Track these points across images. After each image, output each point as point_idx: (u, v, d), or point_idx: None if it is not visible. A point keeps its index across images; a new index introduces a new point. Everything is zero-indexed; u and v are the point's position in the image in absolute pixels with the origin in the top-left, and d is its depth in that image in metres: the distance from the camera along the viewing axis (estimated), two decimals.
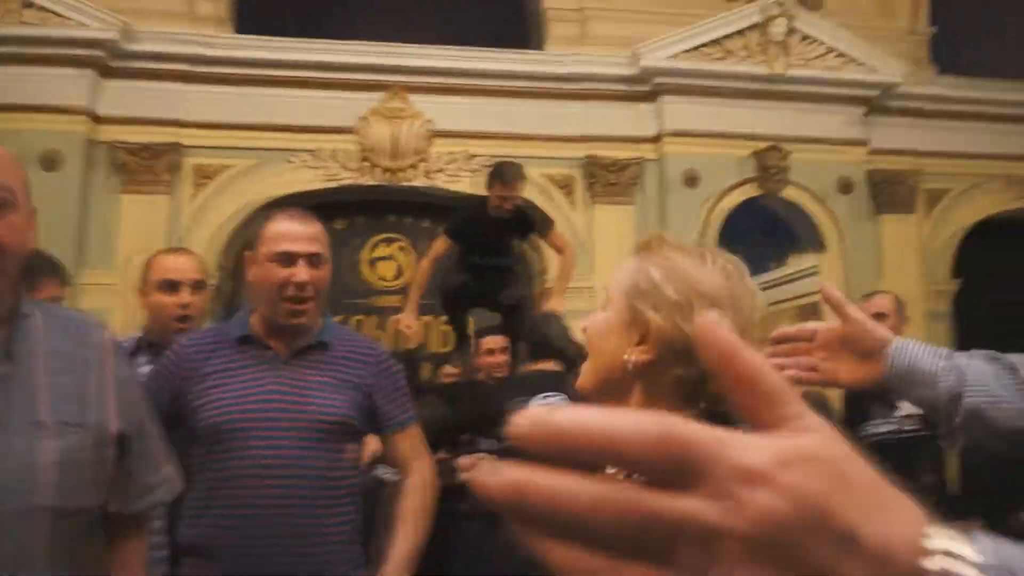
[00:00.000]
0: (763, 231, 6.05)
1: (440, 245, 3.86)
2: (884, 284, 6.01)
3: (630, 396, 0.91)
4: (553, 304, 3.75)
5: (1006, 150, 6.54)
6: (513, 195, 3.65)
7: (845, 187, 6.02)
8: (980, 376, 1.00)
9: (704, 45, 5.82)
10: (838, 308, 1.02)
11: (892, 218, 6.21)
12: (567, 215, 5.74)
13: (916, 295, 6.14)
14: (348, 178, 5.42)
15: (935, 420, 1.04)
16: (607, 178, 5.79)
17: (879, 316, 2.70)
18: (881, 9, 6.75)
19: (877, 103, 6.18)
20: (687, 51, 5.77)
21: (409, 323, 3.85)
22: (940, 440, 1.03)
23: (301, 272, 1.66)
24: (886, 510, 0.29)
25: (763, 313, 0.91)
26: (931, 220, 6.39)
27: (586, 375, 0.96)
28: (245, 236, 5.40)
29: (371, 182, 5.46)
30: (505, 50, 5.68)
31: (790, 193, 5.96)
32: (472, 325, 4.20)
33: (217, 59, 5.20)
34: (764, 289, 6.47)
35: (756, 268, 6.58)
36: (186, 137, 5.23)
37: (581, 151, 5.75)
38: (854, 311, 1.03)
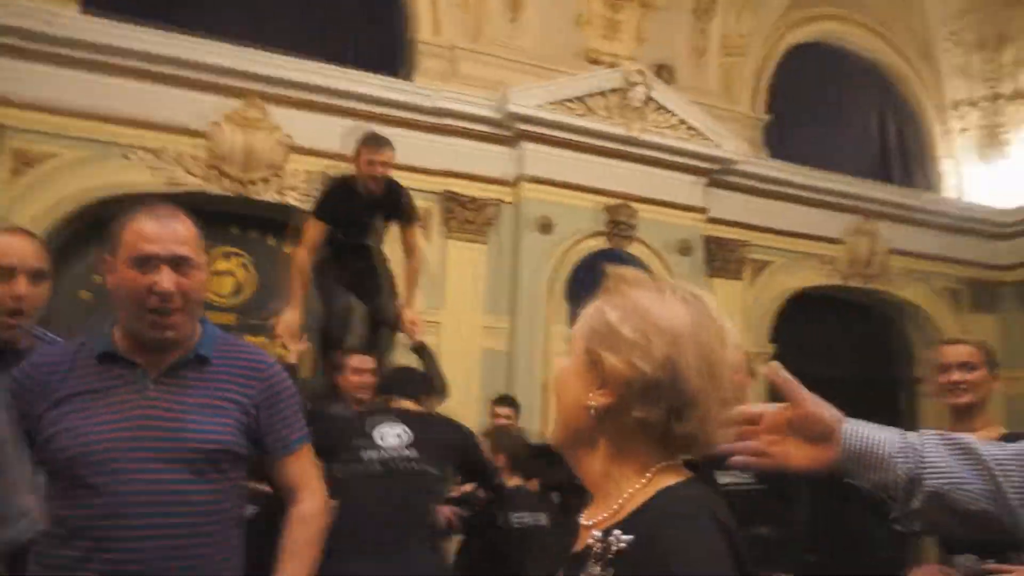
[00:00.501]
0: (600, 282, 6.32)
1: (312, 230, 3.64)
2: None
3: (598, 444, 0.89)
4: (410, 319, 3.75)
5: (821, 232, 7.31)
6: (384, 160, 3.62)
7: (684, 249, 6.45)
8: (940, 458, 0.99)
9: (568, 100, 6.09)
10: (787, 390, 0.99)
11: (723, 282, 6.72)
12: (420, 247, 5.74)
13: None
14: (192, 184, 5.12)
15: (890, 503, 1.01)
16: (464, 215, 5.86)
17: (965, 366, 2.54)
18: (725, 92, 7.38)
19: (717, 176, 6.71)
20: (552, 103, 6.00)
21: (291, 324, 3.48)
22: (895, 523, 1.01)
23: (164, 279, 1.46)
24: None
25: (735, 342, 0.88)
26: (755, 288, 6.97)
27: (556, 426, 0.93)
28: (66, 235, 4.94)
29: (217, 191, 5.19)
30: (374, 75, 5.64)
31: (636, 248, 6.30)
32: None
33: (57, 38, 4.77)
34: None
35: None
36: (10, 117, 4.73)
37: (440, 185, 5.79)
38: (803, 393, 1.00)
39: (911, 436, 1.01)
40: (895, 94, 8.61)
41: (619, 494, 0.86)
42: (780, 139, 7.61)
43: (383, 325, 3.92)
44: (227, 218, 5.47)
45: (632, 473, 0.87)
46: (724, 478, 2.89)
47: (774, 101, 7.68)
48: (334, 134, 5.11)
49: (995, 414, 2.65)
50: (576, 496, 4.14)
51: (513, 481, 3.30)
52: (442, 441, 2.80)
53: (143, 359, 1.51)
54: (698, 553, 0.77)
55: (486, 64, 6.15)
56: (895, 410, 7.60)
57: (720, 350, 0.86)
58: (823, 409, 1.01)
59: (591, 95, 6.19)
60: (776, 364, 0.96)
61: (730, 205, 6.85)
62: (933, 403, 7.57)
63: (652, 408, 0.83)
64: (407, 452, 2.65)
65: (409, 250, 4.02)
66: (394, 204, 3.84)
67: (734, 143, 6.72)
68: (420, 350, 3.73)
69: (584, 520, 0.90)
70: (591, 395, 0.87)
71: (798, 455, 1.00)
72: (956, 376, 2.49)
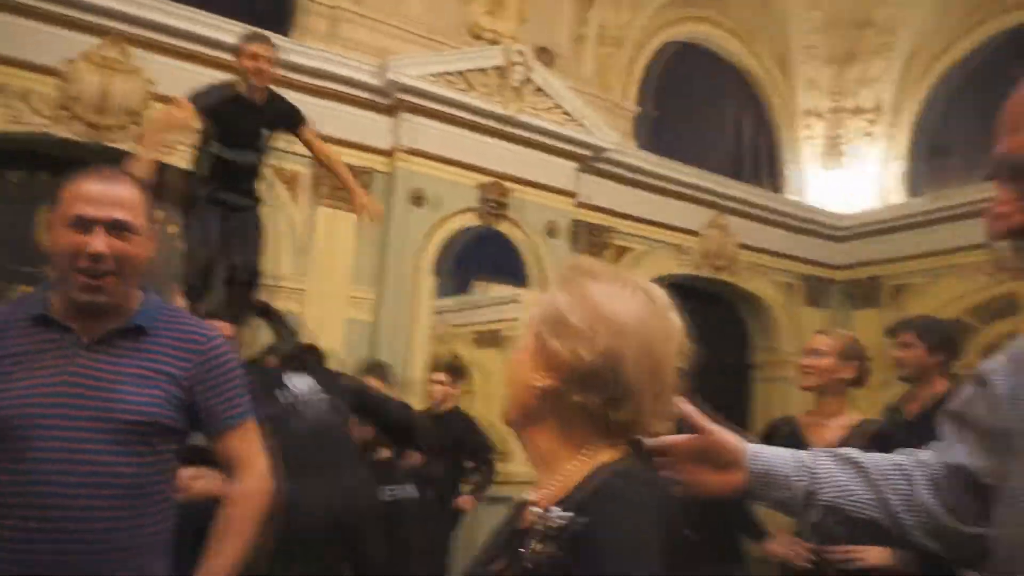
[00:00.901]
0: (480, 259, 6.45)
1: (184, 112, 3.44)
2: None
3: (544, 423, 0.94)
4: (363, 201, 3.85)
5: (680, 223, 7.77)
6: (269, 56, 3.52)
7: (553, 231, 6.68)
8: (830, 472, 1.08)
9: (450, 73, 6.12)
10: (694, 422, 1.05)
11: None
12: (289, 212, 5.62)
13: None
14: (39, 125, 4.75)
15: (793, 518, 1.10)
16: (335, 181, 5.78)
17: (815, 352, 2.82)
18: (600, 81, 7.67)
19: (589, 162, 6.98)
20: (434, 75, 6.02)
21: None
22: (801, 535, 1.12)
23: (97, 241, 1.43)
24: None
25: (682, 348, 0.93)
26: None
27: (507, 404, 0.99)
28: None
29: (68, 135, 4.85)
30: (248, 27, 5.42)
31: (506, 228, 6.46)
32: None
33: None
34: (457, 311, 6.84)
35: (459, 290, 6.87)
36: None
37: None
38: (709, 424, 1.06)
39: (803, 455, 1.10)
40: (754, 99, 9.24)
41: (560, 471, 0.92)
42: (648, 131, 8.00)
43: (241, 284, 3.81)
44: (77, 166, 5.11)
45: (574, 450, 0.92)
46: None
47: (645, 95, 8.05)
48: (201, 84, 4.90)
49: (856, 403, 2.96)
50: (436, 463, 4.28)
51: (384, 454, 3.35)
52: (343, 386, 3.11)
53: (77, 324, 1.47)
54: (629, 530, 0.82)
55: (370, 29, 6.06)
56: (738, 394, 8.27)
57: (664, 346, 0.91)
58: (728, 437, 1.09)
59: (473, 71, 6.25)
60: (680, 398, 0.99)
61: (599, 191, 7.15)
62: (765, 387, 8.30)
63: (590, 395, 0.89)
64: (320, 395, 2.94)
65: (319, 152, 4.03)
66: (277, 112, 3.73)
67: (607, 131, 7.00)
68: (265, 311, 3.66)
69: (527, 496, 0.96)
70: (537, 376, 0.92)
71: (710, 481, 1.07)
72: (805, 360, 2.79)
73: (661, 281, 6.14)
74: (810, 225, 8.89)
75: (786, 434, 2.86)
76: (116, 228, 1.46)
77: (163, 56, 5.10)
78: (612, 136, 7.06)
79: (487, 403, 6.67)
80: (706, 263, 7.95)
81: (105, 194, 1.47)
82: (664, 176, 7.58)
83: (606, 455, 0.92)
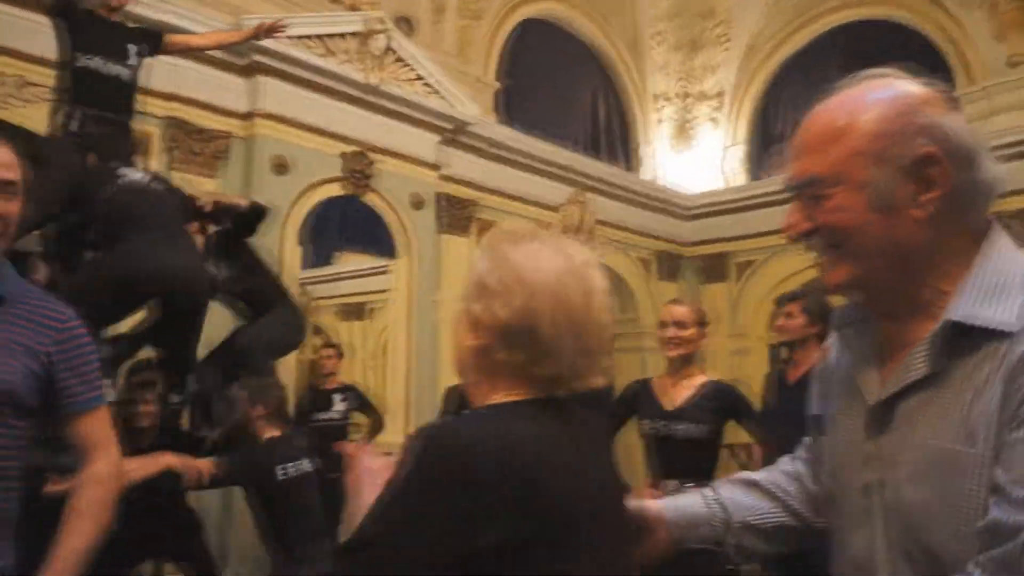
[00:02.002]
0: (352, 229, 6.47)
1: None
2: (443, 295, 6.93)
3: (481, 378, 1.02)
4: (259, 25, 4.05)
5: (542, 199, 8.12)
6: None
7: (418, 203, 6.80)
8: (734, 498, 1.22)
9: (308, 37, 6.09)
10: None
11: (453, 238, 7.20)
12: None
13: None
14: None
15: (718, 549, 1.20)
16: (191, 146, 5.62)
17: (679, 324, 3.12)
18: (461, 54, 7.87)
19: (451, 135, 7.15)
20: (291, 38, 5.96)
21: None
22: (727, 563, 1.24)
23: None
24: None
25: (604, 305, 0.99)
26: (480, 246, 7.55)
27: (454, 361, 1.07)
28: None
29: None
30: None
31: (372, 199, 6.51)
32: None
33: None
34: (325, 282, 6.82)
35: (320, 262, 6.81)
36: None
37: (163, 109, 5.48)
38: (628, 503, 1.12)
39: (706, 491, 1.23)
40: (609, 80, 9.77)
41: None
42: (509, 106, 8.29)
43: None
44: None
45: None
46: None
47: (504, 70, 8.33)
48: (35, 38, 4.63)
49: (701, 366, 3.34)
50: None
51: (271, 432, 3.35)
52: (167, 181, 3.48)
53: None
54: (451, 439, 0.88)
55: None
56: None
57: (582, 303, 0.96)
58: (645, 506, 1.20)
59: (332, 36, 6.25)
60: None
61: (462, 164, 7.34)
62: (624, 357, 8.82)
63: (512, 352, 0.96)
64: (152, 183, 3.28)
65: (190, 44, 4.19)
66: (135, 31, 3.68)
67: (469, 105, 7.19)
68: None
69: None
70: (468, 337, 1.00)
71: (648, 549, 1.16)
72: (671, 332, 3.10)
73: None
74: (663, 204, 9.53)
75: (640, 394, 3.24)
76: (3, 189, 1.45)
77: None
78: (474, 109, 7.26)
79: (354, 374, 6.72)
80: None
81: None
82: (525, 152, 7.88)
83: (501, 397, 0.99)
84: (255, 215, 3.74)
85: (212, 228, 3.67)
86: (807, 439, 1.23)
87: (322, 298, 6.55)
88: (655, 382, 3.28)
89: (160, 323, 3.28)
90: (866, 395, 0.98)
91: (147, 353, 3.84)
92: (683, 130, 10.34)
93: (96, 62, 3.37)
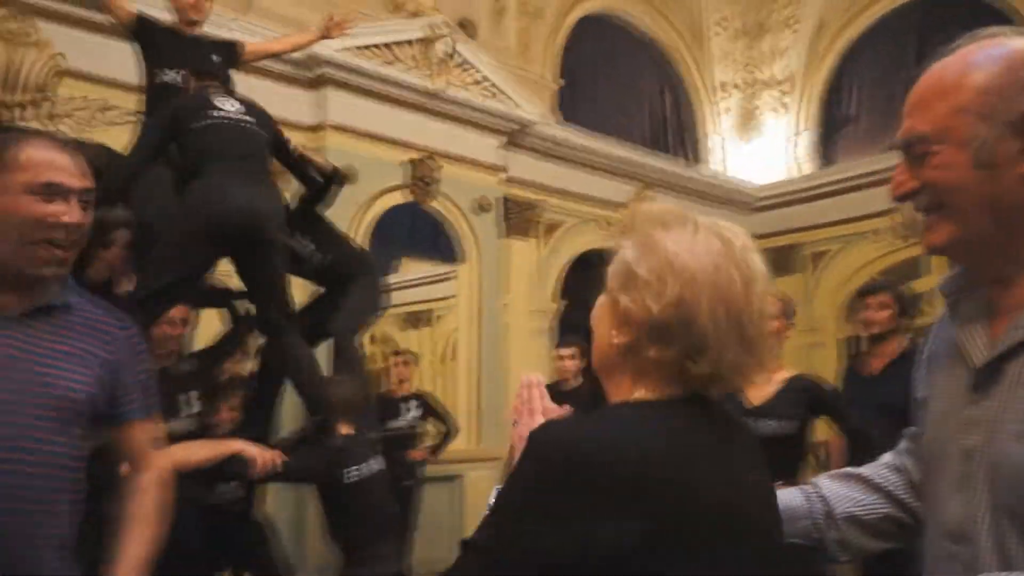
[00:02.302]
0: (413, 236, 6.53)
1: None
2: (509, 299, 6.95)
3: (624, 377, 0.94)
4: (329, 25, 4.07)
5: (606, 196, 8.05)
6: None
7: (484, 206, 6.82)
8: (835, 490, 1.19)
9: (374, 46, 6.15)
10: None
11: (518, 241, 7.21)
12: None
13: (530, 312, 7.21)
14: None
15: (816, 543, 1.16)
16: None
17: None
18: (522, 54, 7.83)
19: (514, 137, 7.14)
20: (357, 47, 6.03)
21: None
22: (827, 559, 1.20)
23: (75, 212, 1.42)
24: None
25: (763, 285, 0.90)
26: (547, 247, 7.55)
27: (593, 358, 1.01)
28: None
29: None
30: None
31: (436, 204, 6.56)
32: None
33: None
34: (396, 290, 6.90)
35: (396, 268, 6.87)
36: None
37: None
38: None
39: (806, 487, 1.19)
40: (671, 72, 9.61)
41: None
42: (571, 105, 8.23)
43: None
44: None
45: None
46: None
47: (566, 68, 8.27)
48: (111, 59, 4.77)
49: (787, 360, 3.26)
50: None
51: (346, 428, 3.37)
52: (266, 119, 3.38)
53: (5, 296, 1.42)
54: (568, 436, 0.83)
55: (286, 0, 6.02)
56: None
57: (743, 292, 0.87)
58: None
59: (397, 43, 6.30)
60: None
61: (525, 166, 7.33)
62: None
63: (665, 348, 0.87)
64: (246, 116, 3.20)
65: (267, 52, 4.23)
66: (215, 43, 3.75)
67: (531, 106, 7.17)
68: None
69: None
70: (614, 331, 0.93)
71: None
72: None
73: (592, 254, 6.41)
74: (727, 196, 9.35)
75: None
76: (86, 200, 1.46)
77: (71, 28, 4.94)
78: (536, 110, 7.24)
79: (421, 382, 6.80)
80: None
81: (76, 164, 1.46)
82: (589, 150, 7.83)
83: (643, 395, 0.92)
84: (336, 180, 3.75)
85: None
86: (910, 430, 1.20)
87: (402, 305, 6.63)
88: None
89: (243, 275, 3.27)
90: (971, 359, 0.97)
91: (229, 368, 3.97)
92: (748, 119, 10.12)
93: (177, 76, 3.46)
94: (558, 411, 1.06)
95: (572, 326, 7.13)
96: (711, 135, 9.93)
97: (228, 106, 3.17)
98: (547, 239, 7.56)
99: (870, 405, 3.11)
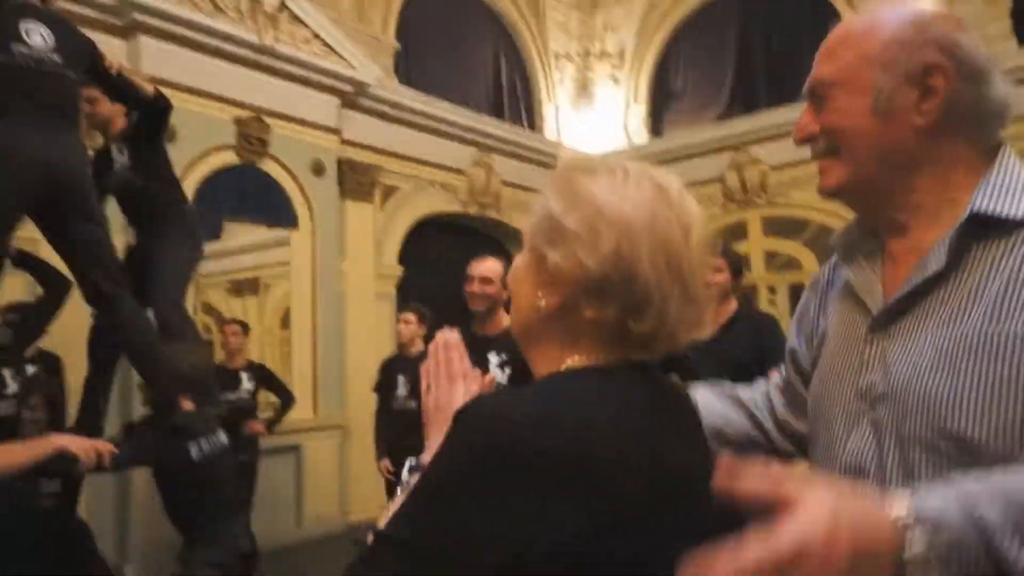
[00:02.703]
0: (242, 200, 6.20)
1: None
2: (347, 265, 6.80)
3: (552, 344, 0.85)
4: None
5: (446, 161, 8.03)
6: None
7: (318, 169, 6.60)
8: (709, 402, 1.22)
9: None
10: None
11: (355, 205, 7.04)
12: None
13: (370, 277, 7.09)
14: None
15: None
16: None
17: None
18: (357, 13, 7.61)
19: (350, 98, 6.95)
20: None
21: None
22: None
23: None
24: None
25: (702, 235, 0.82)
26: (385, 212, 7.44)
27: (511, 323, 0.91)
28: None
29: None
30: None
31: (269, 166, 6.28)
32: None
33: None
34: (221, 257, 6.54)
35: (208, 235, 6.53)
36: None
37: None
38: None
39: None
40: (510, 39, 9.68)
41: None
42: (410, 67, 8.11)
43: None
44: None
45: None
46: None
47: (404, 29, 8.13)
48: None
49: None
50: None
51: (186, 403, 3.17)
52: (78, 49, 3.07)
53: None
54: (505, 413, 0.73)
55: None
56: None
57: (682, 240, 0.80)
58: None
59: None
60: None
61: (363, 128, 7.16)
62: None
63: (603, 307, 0.79)
64: (53, 54, 2.88)
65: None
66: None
67: (369, 66, 7.00)
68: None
69: None
70: (539, 294, 0.83)
71: None
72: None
73: (429, 220, 6.41)
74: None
75: None
76: None
77: None
78: (374, 71, 7.08)
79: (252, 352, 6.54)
80: (473, 201, 8.31)
81: None
82: (428, 114, 7.75)
83: (577, 361, 0.83)
84: (161, 108, 3.48)
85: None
86: (777, 377, 1.26)
87: (211, 275, 6.28)
88: None
89: (54, 240, 2.98)
90: (871, 303, 1.00)
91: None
92: (584, 89, 10.40)
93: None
94: (479, 378, 0.96)
95: (413, 291, 7.12)
96: (547, 103, 10.12)
97: (35, 39, 2.85)
98: (386, 203, 7.45)
99: (712, 364, 3.29)
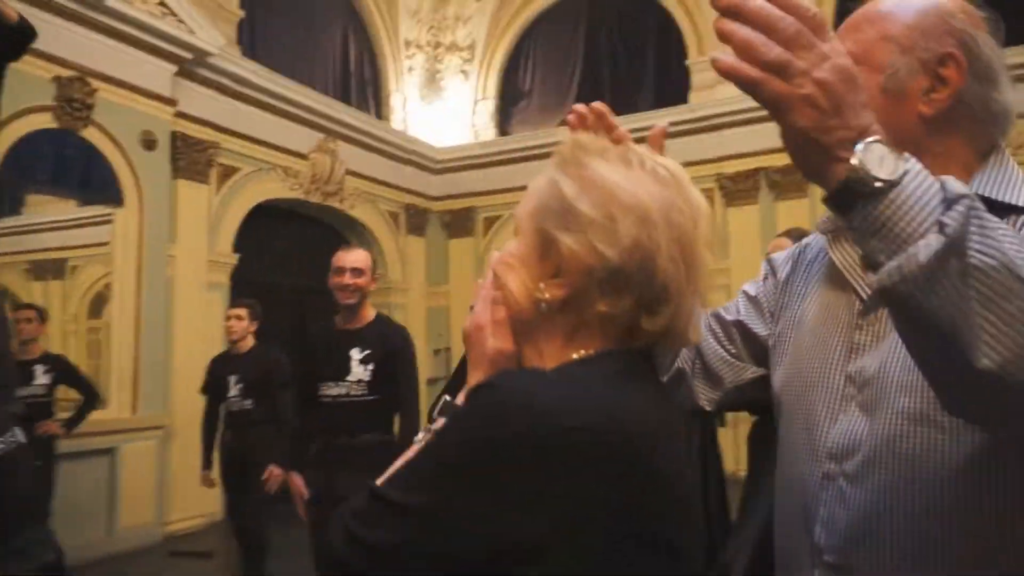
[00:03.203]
0: (58, 171, 5.50)
1: None
2: (176, 249, 6.25)
3: (551, 339, 0.78)
4: None
5: (288, 144, 7.59)
6: None
7: (149, 142, 6.00)
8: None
9: None
10: None
11: (188, 184, 6.48)
12: None
13: (202, 265, 6.56)
14: None
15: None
16: None
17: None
18: None
19: (188, 66, 6.37)
20: None
21: None
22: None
23: None
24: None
25: (708, 225, 0.78)
26: (221, 194, 6.90)
27: (503, 317, 0.81)
28: None
29: None
30: None
31: (92, 135, 5.61)
32: None
33: None
34: (20, 233, 5.79)
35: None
36: None
37: None
38: None
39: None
40: (359, 21, 9.33)
41: None
42: (253, 40, 7.59)
43: None
44: None
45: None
46: (333, 390, 3.10)
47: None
48: None
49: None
50: None
51: None
52: None
53: None
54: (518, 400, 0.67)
55: None
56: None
57: (693, 231, 0.76)
58: None
59: None
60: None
61: (201, 102, 6.60)
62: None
63: (618, 300, 0.74)
64: None
65: None
66: None
67: (210, 32, 6.45)
68: None
69: None
70: (542, 284, 0.76)
71: None
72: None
73: (266, 206, 6.07)
74: (412, 156, 9.40)
75: None
76: None
77: None
78: (216, 38, 6.53)
79: (53, 342, 5.86)
80: (315, 188, 7.93)
81: None
82: (272, 91, 7.29)
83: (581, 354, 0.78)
84: (23, 33, 2.98)
85: None
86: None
87: (7, 254, 5.53)
88: None
89: None
90: (861, 289, 1.00)
91: None
92: (432, 81, 10.24)
93: None
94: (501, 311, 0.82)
95: (247, 282, 6.66)
96: (395, 93, 9.87)
97: None
98: (223, 184, 6.92)
99: None
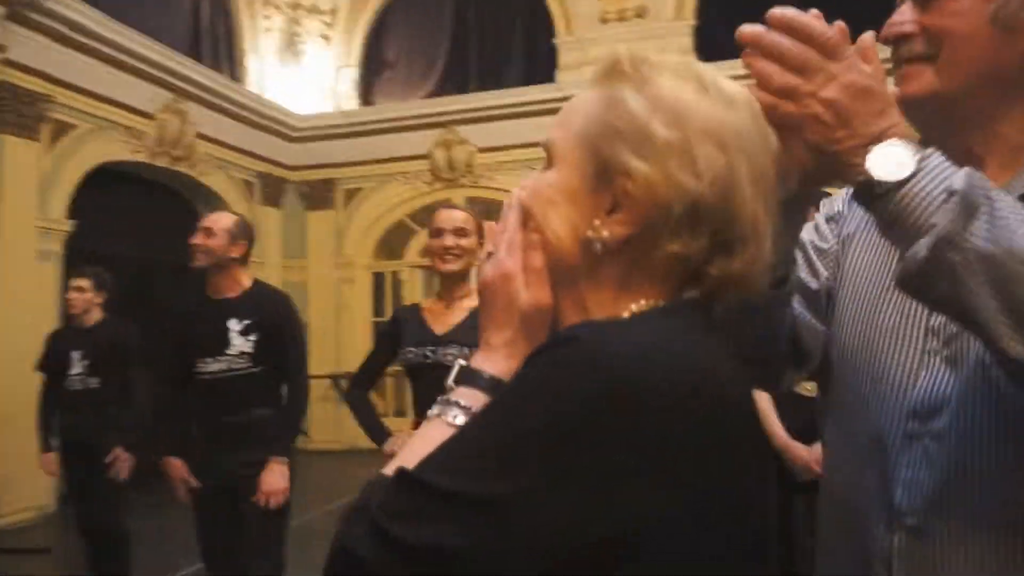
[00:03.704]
0: None
1: None
2: (4, 211, 5.68)
3: (600, 289, 0.67)
4: None
5: (131, 102, 7.03)
6: None
7: None
8: None
9: None
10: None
11: (15, 140, 5.87)
12: None
13: (31, 231, 5.99)
14: None
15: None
16: None
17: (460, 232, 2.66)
18: None
19: (18, 9, 5.75)
20: None
21: None
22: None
23: None
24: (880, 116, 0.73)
25: (777, 159, 0.70)
26: (54, 153, 6.30)
27: (539, 262, 0.68)
28: None
29: None
30: None
31: None
32: None
33: None
34: None
35: None
36: None
37: None
38: None
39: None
40: None
41: None
42: None
43: None
44: None
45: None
46: (212, 365, 2.88)
47: None
48: None
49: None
50: None
51: None
52: None
53: None
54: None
55: None
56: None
57: (769, 164, 0.68)
58: None
59: None
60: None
61: (33, 49, 5.98)
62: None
63: (692, 240, 0.64)
64: None
65: None
66: None
67: None
68: None
69: None
70: (598, 222, 0.65)
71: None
72: (449, 241, 2.62)
73: (106, 168, 5.70)
74: (268, 122, 8.98)
75: (411, 321, 2.78)
76: None
77: None
78: None
79: None
80: (162, 152, 7.40)
81: None
82: (115, 43, 6.71)
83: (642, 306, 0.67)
84: None
85: None
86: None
87: None
88: (426, 306, 2.81)
89: None
90: None
91: None
92: (292, 44, 9.79)
93: None
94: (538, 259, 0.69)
95: (85, 251, 6.13)
96: (251, 53, 9.36)
97: None
98: (56, 143, 6.31)
99: None
